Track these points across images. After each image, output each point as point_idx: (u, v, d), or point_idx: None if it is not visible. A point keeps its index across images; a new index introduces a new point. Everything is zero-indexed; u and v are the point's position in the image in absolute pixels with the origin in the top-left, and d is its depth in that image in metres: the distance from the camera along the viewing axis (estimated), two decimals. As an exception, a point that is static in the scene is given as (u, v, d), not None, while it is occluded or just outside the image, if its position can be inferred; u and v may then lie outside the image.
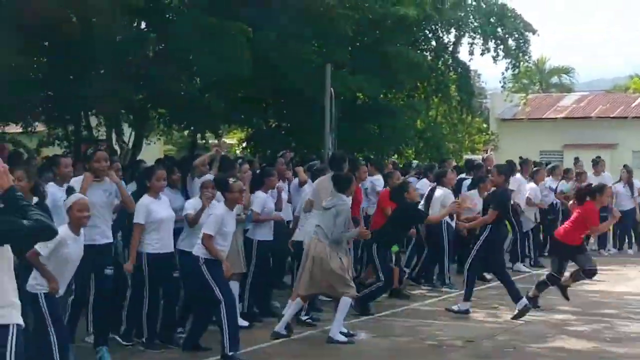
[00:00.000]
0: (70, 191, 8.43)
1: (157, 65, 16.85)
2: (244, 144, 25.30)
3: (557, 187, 20.01)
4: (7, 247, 4.68)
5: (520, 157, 19.74)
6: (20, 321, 4.67)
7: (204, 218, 10.13)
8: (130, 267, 9.79)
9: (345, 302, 10.74)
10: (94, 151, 9.54)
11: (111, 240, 9.48)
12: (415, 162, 22.20)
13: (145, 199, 9.94)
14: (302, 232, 12.06)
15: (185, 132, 25.11)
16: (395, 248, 13.92)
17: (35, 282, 7.78)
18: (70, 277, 8.12)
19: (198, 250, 9.81)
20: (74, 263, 7.99)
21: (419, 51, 23.47)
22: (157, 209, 9.98)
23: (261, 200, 11.90)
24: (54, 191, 10.27)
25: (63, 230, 7.89)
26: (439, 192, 14.87)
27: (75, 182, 9.21)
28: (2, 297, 4.59)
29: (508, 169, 13.79)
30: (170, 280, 10.30)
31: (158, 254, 9.93)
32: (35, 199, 8.61)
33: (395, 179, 14.56)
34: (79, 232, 8.05)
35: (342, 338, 10.69)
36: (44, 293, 7.74)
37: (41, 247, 7.68)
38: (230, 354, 9.56)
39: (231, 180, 10.07)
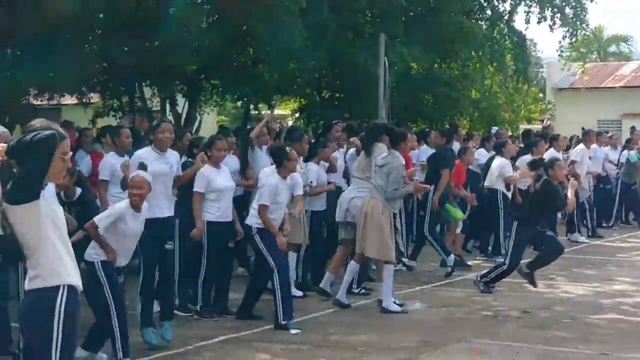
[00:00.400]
0: (142, 167, 8.38)
1: (210, 36, 16.80)
2: (297, 115, 25.20)
3: (619, 157, 19.77)
4: (58, 212, 4.66)
5: (583, 128, 19.49)
6: (73, 282, 4.66)
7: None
8: (198, 233, 9.74)
9: (388, 270, 10.68)
10: (159, 122, 9.36)
11: (172, 214, 9.31)
12: (495, 128, 21.89)
13: (206, 168, 9.93)
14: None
15: (239, 103, 25.08)
16: (459, 215, 13.86)
17: (93, 252, 7.81)
18: (131, 250, 8.12)
19: (251, 219, 9.79)
20: (133, 238, 7.98)
21: (473, 20, 23.16)
22: (217, 178, 10.00)
23: (315, 172, 11.83)
24: (113, 161, 10.36)
25: (123, 205, 7.93)
26: (497, 161, 14.70)
27: (139, 156, 9.17)
28: (52, 259, 4.58)
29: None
30: (227, 250, 10.31)
31: (217, 222, 9.96)
32: (78, 190, 8.64)
33: (469, 155, 14.38)
34: (139, 208, 8.00)
35: (396, 308, 10.63)
36: (101, 260, 7.76)
37: (99, 221, 7.74)
38: (284, 322, 9.55)
39: (287, 149, 10.03)
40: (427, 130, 18.44)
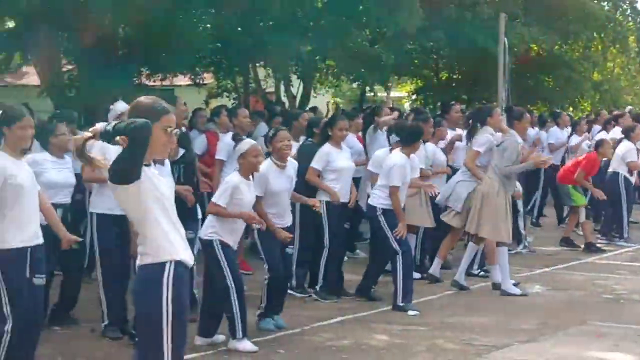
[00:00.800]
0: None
1: (326, 16, 16.73)
2: (413, 97, 25.02)
3: None
4: (165, 190, 4.67)
5: None
6: (181, 258, 4.63)
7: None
8: (317, 204, 9.32)
9: (502, 252, 10.45)
10: (276, 132, 8.87)
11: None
12: (629, 107, 21.41)
13: (327, 147, 9.86)
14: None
15: (354, 85, 25.01)
16: (582, 200, 13.54)
17: (211, 230, 7.79)
18: (244, 225, 8.10)
19: (376, 200, 9.71)
20: (248, 208, 7.97)
21: (595, 1, 22.61)
22: (337, 158, 9.91)
23: (430, 152, 11.63)
24: (230, 142, 10.38)
25: (235, 177, 7.90)
26: (623, 146, 14.32)
27: None
28: (157, 236, 4.59)
29: None
30: (343, 230, 10.24)
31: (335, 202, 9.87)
32: (181, 151, 8.64)
33: (607, 148, 14.02)
34: (249, 177, 7.99)
35: (516, 290, 10.40)
36: (219, 240, 7.75)
37: (218, 199, 7.74)
38: (402, 304, 9.43)
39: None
40: (557, 111, 18.02)
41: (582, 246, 13.81)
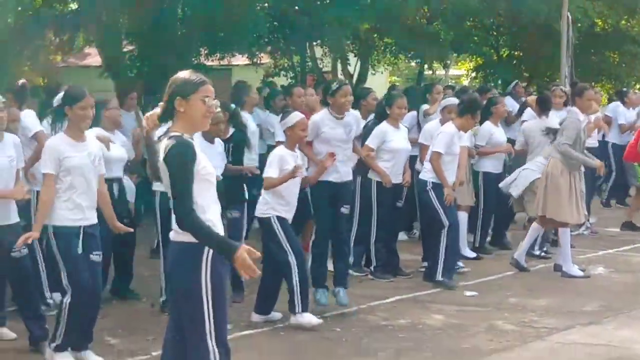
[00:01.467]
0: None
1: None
2: (473, 74, 24.65)
3: None
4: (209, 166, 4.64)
5: None
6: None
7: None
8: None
9: (565, 233, 10.19)
10: (340, 85, 8.84)
11: (350, 178, 8.86)
12: None
13: (384, 125, 9.69)
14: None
15: (412, 63, 24.75)
16: None
17: (267, 207, 7.76)
18: (296, 195, 7.94)
19: (426, 174, 9.53)
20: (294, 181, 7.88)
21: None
22: (393, 137, 9.71)
23: (486, 131, 11.38)
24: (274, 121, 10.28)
25: (280, 149, 7.91)
26: None
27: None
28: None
29: None
30: (395, 210, 10.07)
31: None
32: (231, 130, 8.60)
33: None
34: (295, 149, 7.95)
35: (578, 272, 10.16)
36: (276, 216, 7.70)
37: (267, 171, 7.73)
38: (441, 279, 9.39)
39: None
40: (624, 90, 17.57)
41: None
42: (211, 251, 4.51)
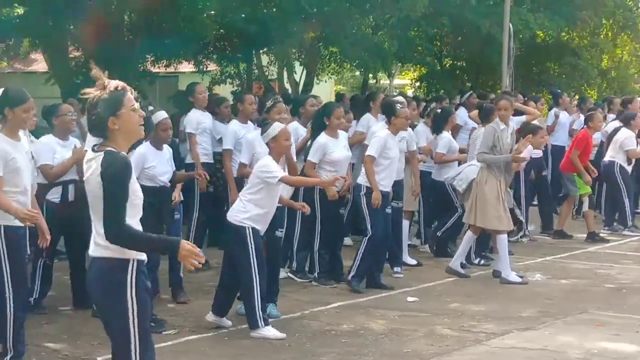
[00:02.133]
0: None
1: (330, 2, 16.67)
2: (417, 84, 24.93)
3: None
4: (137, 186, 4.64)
5: None
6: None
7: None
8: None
9: (501, 240, 10.43)
10: (274, 102, 9.08)
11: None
12: None
13: (323, 137, 9.72)
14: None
15: (357, 72, 24.94)
16: (586, 189, 13.47)
17: (245, 215, 7.74)
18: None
19: (362, 178, 9.72)
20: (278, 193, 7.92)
21: (605, -14, 22.46)
22: (334, 149, 9.79)
23: (447, 139, 11.62)
24: (236, 129, 10.32)
25: (268, 159, 7.86)
26: (622, 134, 14.19)
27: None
28: None
29: None
30: (339, 216, 10.25)
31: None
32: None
33: (597, 121, 13.88)
34: (280, 160, 7.99)
35: (516, 278, 10.38)
36: (252, 227, 7.70)
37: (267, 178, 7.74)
38: (349, 279, 9.66)
39: (398, 105, 9.79)
40: (559, 91, 17.94)
41: (572, 235, 13.78)
42: (135, 266, 4.52)
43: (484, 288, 10.15)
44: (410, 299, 9.37)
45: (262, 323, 7.70)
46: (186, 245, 4.42)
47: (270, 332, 7.69)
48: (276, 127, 7.98)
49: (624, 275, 11.08)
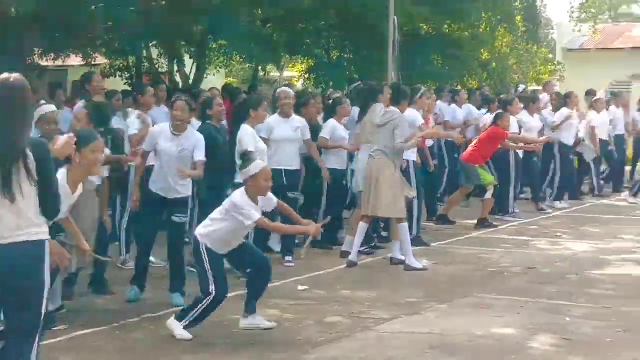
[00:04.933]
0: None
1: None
2: (306, 76, 25.17)
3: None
4: None
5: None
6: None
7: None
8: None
9: (403, 228, 10.75)
10: (175, 100, 9.13)
11: (187, 194, 9.15)
12: (522, 86, 22.08)
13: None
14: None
15: (247, 65, 25.05)
16: (490, 179, 13.86)
17: (205, 239, 7.57)
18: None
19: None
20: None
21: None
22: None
23: (331, 127, 11.94)
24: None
25: (240, 195, 7.59)
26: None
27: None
28: None
29: None
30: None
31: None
32: None
33: (506, 120, 14.33)
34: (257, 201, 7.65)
35: (419, 265, 10.74)
36: (207, 246, 7.58)
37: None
38: None
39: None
40: (456, 89, 18.47)
41: (454, 222, 14.30)
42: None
43: (373, 275, 10.46)
44: (301, 287, 9.56)
45: (187, 325, 7.60)
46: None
47: (181, 331, 7.61)
48: (258, 165, 7.65)
49: (505, 259, 11.55)
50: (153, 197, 8.99)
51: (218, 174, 9.86)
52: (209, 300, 7.53)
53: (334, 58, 22.83)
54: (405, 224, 10.85)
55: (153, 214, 9.06)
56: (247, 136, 9.98)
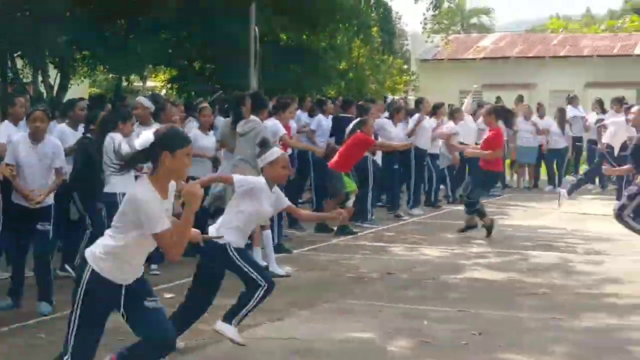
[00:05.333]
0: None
1: (81, 7, 16.75)
2: (169, 86, 25.27)
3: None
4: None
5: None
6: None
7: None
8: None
9: (266, 235, 11.10)
10: (33, 111, 9.27)
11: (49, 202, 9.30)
12: (390, 97, 22.67)
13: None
14: None
15: (110, 75, 24.97)
16: (353, 186, 14.24)
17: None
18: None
19: None
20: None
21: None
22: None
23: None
24: (10, 132, 10.43)
25: (261, 180, 7.68)
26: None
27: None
28: None
29: None
30: None
31: None
32: None
33: (370, 126, 14.66)
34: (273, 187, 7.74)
35: (280, 271, 11.00)
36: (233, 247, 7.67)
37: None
38: None
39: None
40: (323, 99, 18.90)
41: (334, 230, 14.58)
42: None
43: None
44: (167, 295, 9.59)
45: None
46: None
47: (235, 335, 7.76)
48: (277, 152, 7.71)
49: (364, 265, 11.89)
50: (17, 208, 9.12)
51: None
52: (263, 290, 7.64)
53: (197, 68, 22.99)
54: (269, 231, 11.16)
55: (17, 224, 9.18)
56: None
